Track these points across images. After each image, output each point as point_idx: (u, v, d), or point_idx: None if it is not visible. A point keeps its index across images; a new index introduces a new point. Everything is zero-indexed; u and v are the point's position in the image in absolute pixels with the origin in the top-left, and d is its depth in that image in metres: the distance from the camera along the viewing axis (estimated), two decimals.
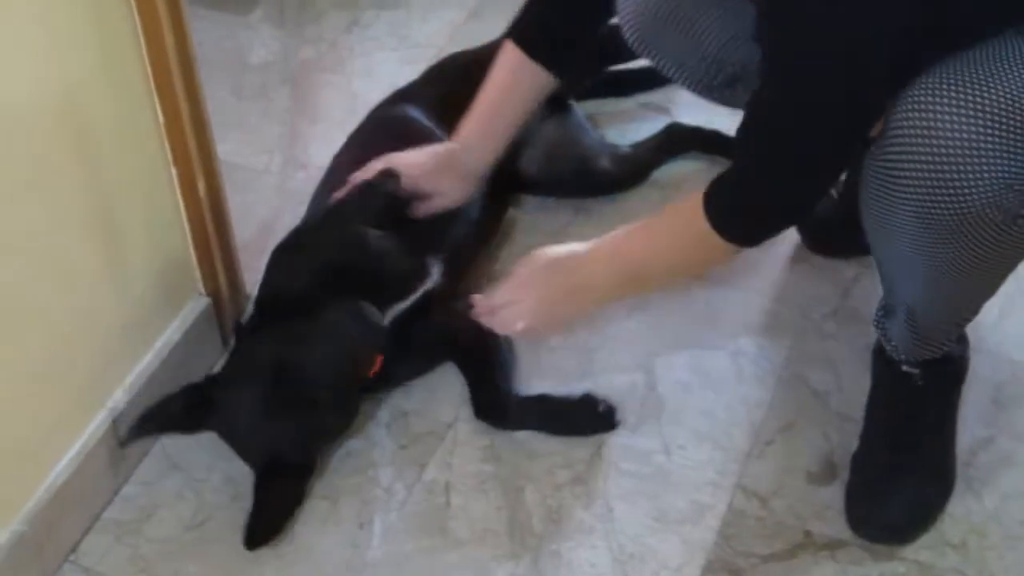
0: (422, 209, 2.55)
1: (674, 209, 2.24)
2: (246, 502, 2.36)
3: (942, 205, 1.91)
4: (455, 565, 2.31)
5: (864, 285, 2.67)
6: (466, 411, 2.53)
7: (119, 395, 2.39)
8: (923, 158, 1.90)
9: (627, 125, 3.06)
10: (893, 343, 2.28)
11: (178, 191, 2.40)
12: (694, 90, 2.52)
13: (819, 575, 2.25)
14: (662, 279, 2.40)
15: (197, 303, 2.55)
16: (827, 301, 2.66)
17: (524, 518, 2.36)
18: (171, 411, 2.35)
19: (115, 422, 2.37)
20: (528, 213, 2.90)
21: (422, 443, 2.49)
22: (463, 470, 2.44)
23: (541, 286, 2.28)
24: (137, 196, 2.32)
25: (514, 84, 2.49)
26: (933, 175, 1.89)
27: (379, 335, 2.34)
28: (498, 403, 2.51)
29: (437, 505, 2.39)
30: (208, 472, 2.46)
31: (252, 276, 2.71)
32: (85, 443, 2.32)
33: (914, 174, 1.92)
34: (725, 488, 2.38)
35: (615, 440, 2.46)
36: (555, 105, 2.81)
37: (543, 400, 2.50)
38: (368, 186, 2.46)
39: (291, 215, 2.80)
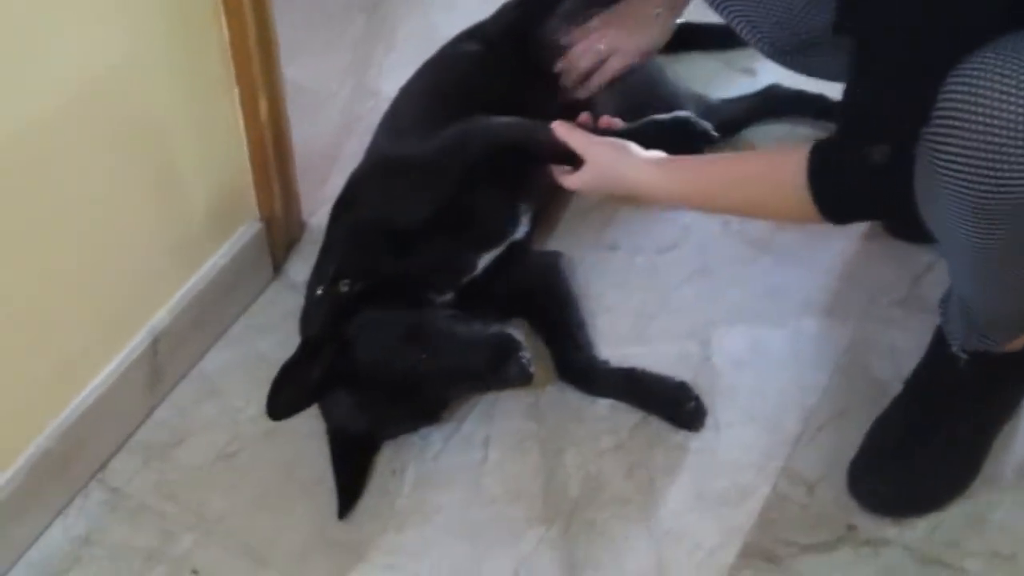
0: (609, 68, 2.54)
1: (773, 156, 2.18)
2: (282, 436, 2.34)
3: (982, 185, 1.78)
4: (484, 522, 2.25)
5: (938, 274, 2.55)
6: None
7: (162, 315, 2.34)
8: (966, 134, 1.77)
9: (710, 83, 2.95)
10: (950, 326, 2.22)
11: (239, 111, 2.34)
12: (767, 53, 2.43)
13: (859, 573, 2.17)
14: (726, 209, 2.35)
15: (250, 227, 2.49)
16: (896, 287, 2.56)
17: (561, 481, 2.30)
18: (308, 378, 2.23)
19: (155, 342, 2.33)
20: None
21: None
22: (504, 426, 2.38)
23: (607, 168, 2.25)
24: (196, 113, 2.26)
25: None
26: (974, 152, 1.77)
27: (527, 381, 2.24)
28: (585, 366, 2.44)
29: (473, 459, 2.34)
30: (246, 402, 2.41)
31: (310, 204, 2.66)
32: (122, 362, 2.29)
33: (956, 151, 1.79)
34: (770, 471, 2.30)
35: None
36: None
37: (634, 376, 2.41)
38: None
39: (357, 143, 2.72)
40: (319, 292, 2.36)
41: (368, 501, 2.28)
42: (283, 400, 2.19)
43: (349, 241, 2.41)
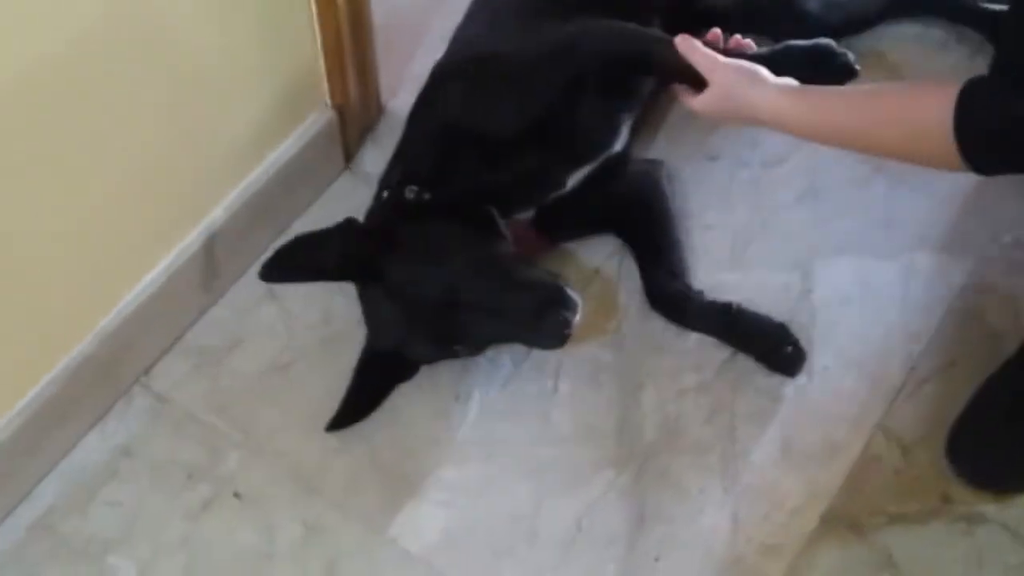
0: None
1: (918, 93, 1.90)
2: (339, 347, 2.20)
3: None
4: (549, 461, 2.10)
5: None
6: (596, 286, 2.28)
7: (217, 213, 2.18)
8: None
9: None
10: None
11: None
12: None
13: (951, 553, 1.99)
14: (862, 148, 2.05)
15: (320, 116, 2.30)
16: (1022, 225, 2.32)
17: (637, 421, 2.13)
18: (325, 255, 2.07)
19: (211, 239, 2.17)
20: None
21: None
22: (579, 353, 2.20)
23: (733, 93, 2.02)
24: None
25: None
26: None
27: (557, 344, 2.05)
28: (678, 296, 2.25)
29: (543, 389, 2.18)
30: (305, 306, 2.26)
31: (391, 84, 2.46)
32: (174, 260, 2.14)
33: None
34: (865, 427, 2.11)
35: None
36: None
37: (730, 311, 2.22)
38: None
39: (448, 19, 2.46)
40: (384, 195, 2.18)
41: (429, 427, 2.14)
42: (283, 264, 2.03)
43: (426, 144, 2.21)
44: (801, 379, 2.16)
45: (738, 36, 2.15)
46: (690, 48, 2.07)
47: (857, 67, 2.11)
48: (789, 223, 2.33)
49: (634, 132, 2.34)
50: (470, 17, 2.39)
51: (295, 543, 2.04)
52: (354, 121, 2.37)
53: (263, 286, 2.23)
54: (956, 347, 2.19)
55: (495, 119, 2.15)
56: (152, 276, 2.12)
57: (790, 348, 2.18)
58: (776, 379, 2.16)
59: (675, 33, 2.39)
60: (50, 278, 1.93)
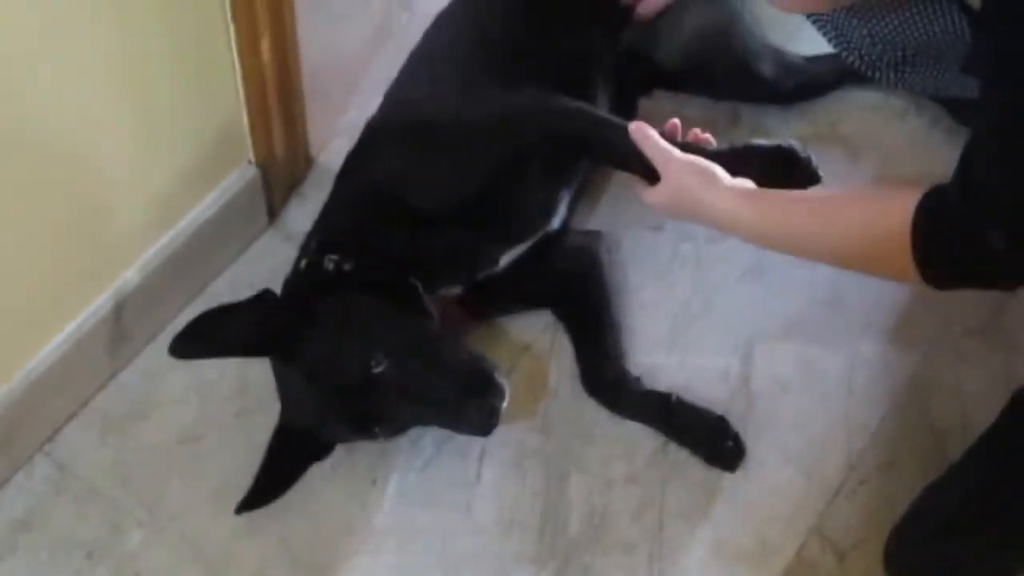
0: None
1: (877, 203, 1.80)
2: (254, 420, 2.09)
3: None
4: (468, 554, 2.00)
5: None
6: (527, 363, 2.18)
7: (130, 274, 2.07)
8: None
9: (795, 35, 2.51)
10: None
11: (234, 48, 2.00)
12: (855, 65, 2.09)
13: None
14: (817, 257, 1.94)
15: (243, 173, 2.19)
16: (974, 314, 2.22)
17: (561, 514, 2.03)
18: (238, 330, 1.93)
19: (121, 301, 2.06)
20: (664, 112, 2.42)
21: None
22: (505, 437, 2.09)
23: (685, 191, 1.93)
24: (184, 50, 1.93)
25: None
26: None
27: (482, 432, 1.94)
28: (615, 382, 2.15)
29: (466, 476, 2.07)
30: (220, 375, 2.15)
31: (322, 134, 2.34)
32: (81, 324, 2.03)
33: None
34: (799, 530, 2.02)
35: None
36: None
37: (668, 402, 2.12)
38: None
39: (383, 67, 2.35)
40: (302, 264, 2.06)
41: (343, 513, 2.03)
42: (194, 339, 1.88)
43: (350, 210, 2.10)
44: (736, 473, 2.06)
45: (697, 130, 2.04)
46: (644, 138, 1.97)
47: (820, 174, 2.00)
48: (731, 303, 2.23)
49: (574, 202, 2.24)
50: (408, 71, 2.27)
51: None
52: (279, 177, 2.26)
53: None
54: (898, 445, 2.09)
55: (427, 191, 2.03)
56: (57, 342, 2.00)
57: (729, 443, 2.09)
58: (709, 472, 2.07)
59: (624, 94, 2.31)
60: None
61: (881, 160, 2.40)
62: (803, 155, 2.02)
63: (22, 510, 2.03)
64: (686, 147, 2.00)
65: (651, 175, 1.98)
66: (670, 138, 2.01)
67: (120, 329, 2.08)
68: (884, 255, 1.74)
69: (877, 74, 2.15)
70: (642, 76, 2.36)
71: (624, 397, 2.13)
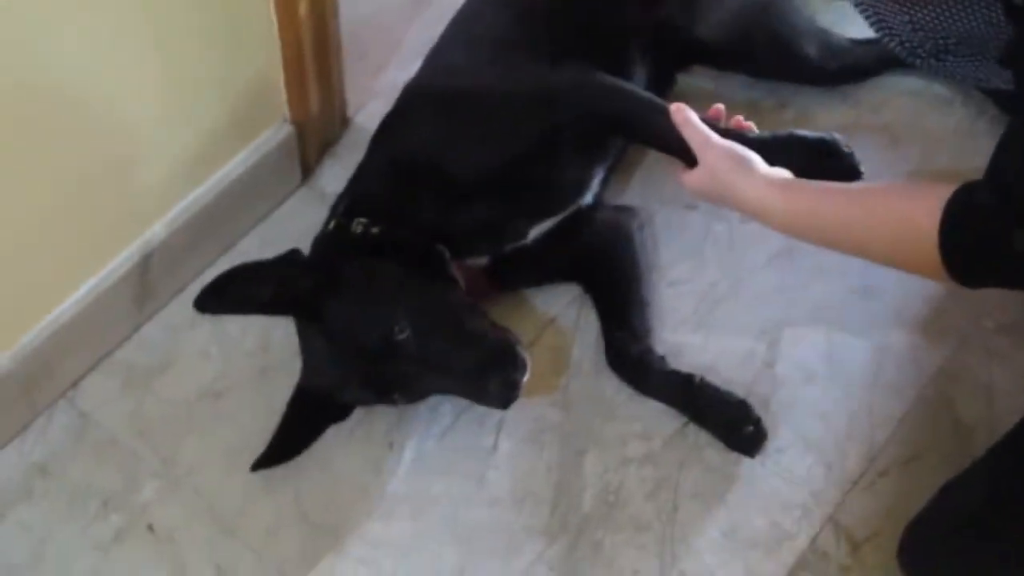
0: None
1: (909, 198, 1.77)
2: (275, 378, 2.10)
3: None
4: (480, 524, 2.00)
5: None
6: (550, 337, 2.17)
7: (157, 228, 2.08)
8: None
9: (843, 18, 2.47)
10: None
11: (271, 4, 2.00)
12: (896, 50, 2.05)
13: None
14: (847, 249, 1.90)
15: (277, 131, 2.19)
16: (1007, 311, 2.18)
17: (575, 489, 2.02)
18: (264, 289, 1.94)
19: (148, 255, 2.07)
20: (704, 92, 2.43)
21: None
22: (524, 410, 2.08)
23: (721, 177, 1.91)
24: (223, 3, 1.93)
25: None
26: None
27: (501, 405, 1.95)
28: (640, 360, 2.13)
29: (482, 446, 2.07)
30: (243, 331, 2.16)
31: (359, 96, 2.34)
32: (107, 275, 2.04)
33: None
34: (815, 518, 2.00)
35: None
36: None
37: (692, 383, 2.09)
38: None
39: (424, 32, 2.35)
40: (331, 226, 2.06)
41: (358, 477, 2.04)
42: (219, 295, 1.90)
43: (383, 174, 2.09)
44: (754, 459, 2.04)
45: (740, 117, 2.01)
46: (684, 121, 1.95)
47: (862, 169, 1.97)
48: (761, 285, 2.21)
49: (608, 177, 2.22)
50: (448, 37, 2.26)
51: None
52: (314, 136, 2.25)
53: None
54: (922, 438, 2.06)
55: (461, 159, 2.02)
56: (83, 292, 2.02)
57: (751, 428, 2.06)
58: (727, 456, 2.05)
59: (662, 68, 2.29)
60: None
61: (923, 149, 2.36)
62: (845, 149, 1.99)
63: (40, 455, 2.05)
64: (727, 133, 1.98)
65: (689, 158, 1.97)
66: (712, 123, 1.98)
67: (146, 282, 2.09)
68: (912, 250, 1.71)
69: (918, 61, 2.11)
70: (681, 51, 2.34)
71: (647, 375, 2.11)
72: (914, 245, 1.70)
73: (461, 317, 1.97)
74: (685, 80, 2.40)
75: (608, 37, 2.19)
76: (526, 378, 1.93)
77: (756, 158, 1.91)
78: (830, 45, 2.40)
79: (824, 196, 1.86)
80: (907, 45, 2.09)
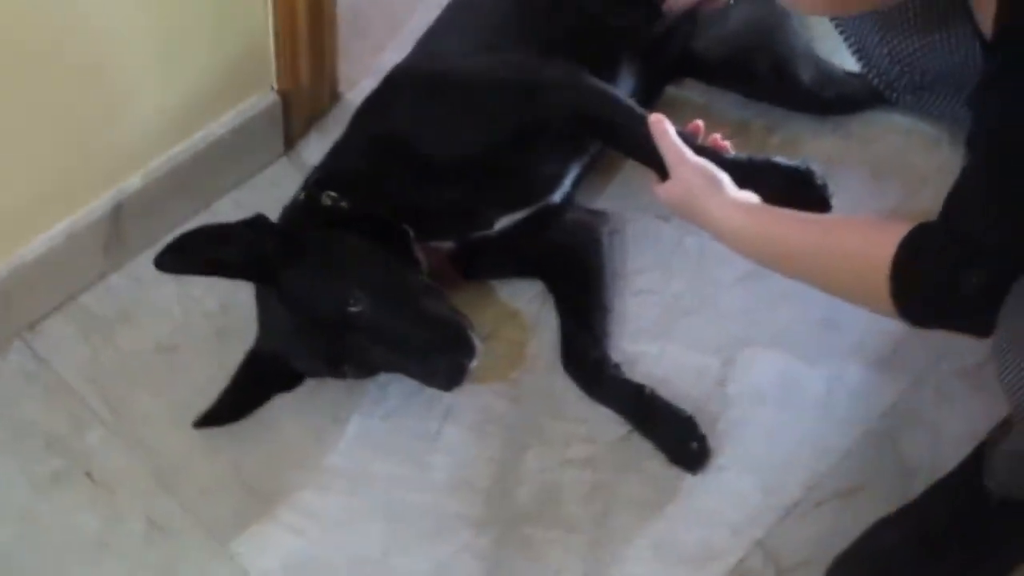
0: None
1: (866, 230, 1.81)
2: (231, 341, 2.12)
3: None
4: (414, 506, 2.01)
5: None
6: (509, 330, 2.18)
7: (133, 180, 2.10)
8: None
9: (841, 47, 2.38)
10: (993, 462, 1.88)
11: None
12: (873, 78, 2.06)
13: None
14: (807, 279, 1.91)
15: (263, 98, 2.21)
16: (967, 354, 2.16)
17: (513, 482, 2.04)
18: (226, 251, 1.96)
19: (120, 204, 2.09)
20: (690, 101, 2.43)
21: None
22: (473, 399, 2.10)
23: (691, 195, 1.93)
24: None
25: None
26: None
27: (446, 387, 1.97)
28: (595, 366, 2.13)
29: (427, 431, 2.08)
30: (206, 292, 2.17)
31: (354, 72, 2.36)
32: (78, 220, 2.07)
33: None
34: (746, 538, 2.00)
35: None
36: None
37: (642, 395, 2.10)
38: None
39: (429, 8, 2.34)
40: (301, 196, 2.08)
41: (300, 446, 2.06)
42: (183, 253, 1.92)
43: (358, 149, 2.12)
44: (694, 475, 2.06)
45: (718, 136, 2.03)
46: (661, 133, 1.97)
47: (832, 203, 1.99)
48: (725, 303, 2.21)
49: (581, 178, 2.23)
50: (441, 22, 2.28)
51: (135, 538, 1.97)
52: (301, 108, 2.27)
53: None
54: (864, 473, 2.06)
55: (438, 141, 2.05)
56: (53, 232, 2.05)
57: (695, 444, 2.06)
58: (667, 469, 2.05)
59: (652, 78, 2.29)
60: None
61: (906, 185, 2.35)
62: (819, 181, 2.01)
63: None
64: (702, 150, 1.99)
65: (662, 170, 1.98)
66: (689, 138, 2.00)
67: (117, 231, 2.11)
68: (867, 285, 1.73)
69: (894, 95, 2.11)
70: (676, 62, 2.36)
71: (599, 380, 2.12)
72: (868, 279, 1.72)
73: (417, 296, 1.99)
74: (678, 92, 2.41)
75: (601, 38, 2.19)
76: (474, 364, 1.95)
77: (726, 179, 1.92)
78: (826, 73, 2.40)
79: (786, 223, 1.87)
80: (884, 78, 2.09)
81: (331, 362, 2.01)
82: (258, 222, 1.99)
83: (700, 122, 2.05)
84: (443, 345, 1.95)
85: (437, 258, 2.10)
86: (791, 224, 1.87)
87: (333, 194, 2.05)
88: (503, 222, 2.12)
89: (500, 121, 2.05)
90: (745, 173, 1.97)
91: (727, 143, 2.04)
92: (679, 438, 2.08)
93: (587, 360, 2.14)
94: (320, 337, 1.98)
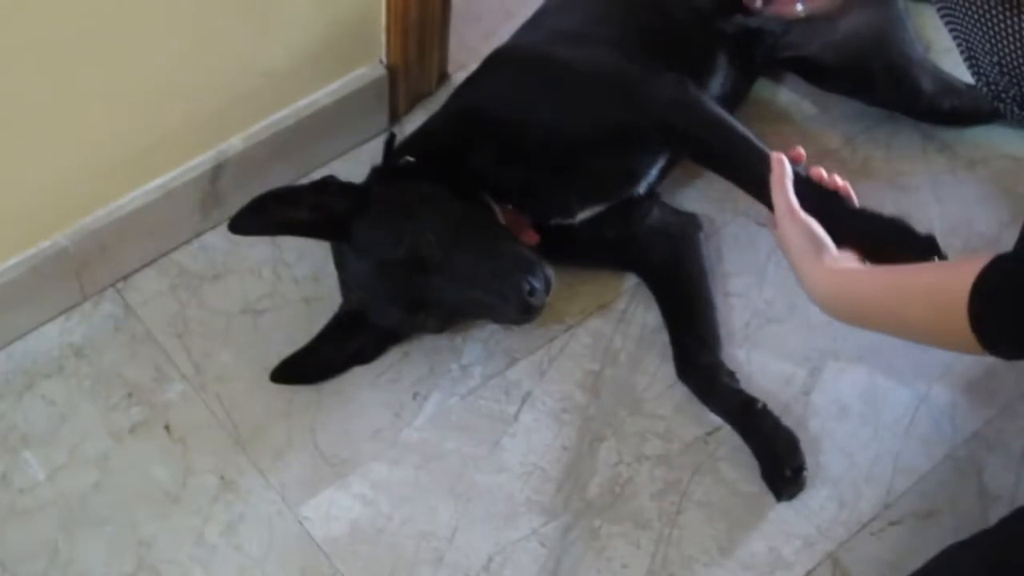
0: None
1: (943, 267, 1.80)
2: (318, 310, 2.14)
3: None
4: (483, 488, 2.01)
5: None
6: (595, 320, 2.17)
7: (235, 141, 2.12)
8: None
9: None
10: None
11: None
12: (982, 88, 2.02)
13: None
14: (891, 330, 1.89)
15: (371, 71, 2.22)
16: None
17: (584, 474, 2.02)
18: (297, 210, 1.99)
19: (221, 165, 2.11)
20: (800, 110, 2.43)
21: (528, 335, 2.14)
22: (552, 386, 2.10)
23: (790, 251, 1.91)
24: None
25: None
26: None
27: (521, 315, 1.96)
28: (707, 371, 2.10)
29: (504, 413, 2.08)
30: (299, 259, 2.19)
31: (464, 56, 2.38)
32: (175, 178, 2.09)
33: None
34: (816, 552, 1.97)
35: (732, 437, 2.06)
36: None
37: (752, 408, 2.06)
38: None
39: (536, 3, 2.35)
40: (382, 160, 2.10)
41: (375, 418, 2.06)
42: (256, 215, 1.95)
43: (449, 122, 2.14)
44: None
45: (823, 171, 1.97)
46: (779, 178, 1.93)
47: (942, 254, 1.92)
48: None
49: (667, 170, 2.21)
50: (550, 7, 2.29)
51: (205, 493, 1.98)
52: (408, 85, 2.28)
53: None
54: (942, 497, 2.02)
55: (530, 122, 2.05)
56: (151, 186, 2.07)
57: (789, 472, 2.02)
58: (742, 473, 2.02)
59: (740, 76, 2.28)
60: (35, 161, 1.89)
61: (1012, 208, 2.31)
62: (917, 233, 1.94)
63: (79, 337, 2.11)
64: (810, 189, 1.95)
65: (766, 204, 1.97)
66: (795, 162, 1.97)
67: (215, 191, 2.14)
68: (947, 319, 1.67)
69: (1001, 106, 2.07)
70: (779, 61, 2.35)
71: (713, 388, 2.09)
72: (947, 313, 1.67)
73: (489, 233, 2.00)
74: (789, 100, 2.41)
75: (697, 33, 2.21)
76: (548, 295, 1.96)
77: (828, 244, 1.89)
78: (946, 83, 2.36)
79: (863, 275, 1.86)
80: (992, 87, 2.05)
81: (409, 308, 2.02)
82: (326, 181, 2.01)
83: (802, 150, 2.01)
84: (515, 268, 1.94)
85: (518, 224, 2.10)
86: (868, 275, 1.86)
87: (411, 158, 2.06)
88: (585, 213, 2.12)
89: (598, 118, 2.05)
90: (842, 222, 1.93)
91: (835, 177, 1.98)
92: (778, 459, 2.04)
93: (699, 366, 2.11)
94: (395, 282, 1.99)
